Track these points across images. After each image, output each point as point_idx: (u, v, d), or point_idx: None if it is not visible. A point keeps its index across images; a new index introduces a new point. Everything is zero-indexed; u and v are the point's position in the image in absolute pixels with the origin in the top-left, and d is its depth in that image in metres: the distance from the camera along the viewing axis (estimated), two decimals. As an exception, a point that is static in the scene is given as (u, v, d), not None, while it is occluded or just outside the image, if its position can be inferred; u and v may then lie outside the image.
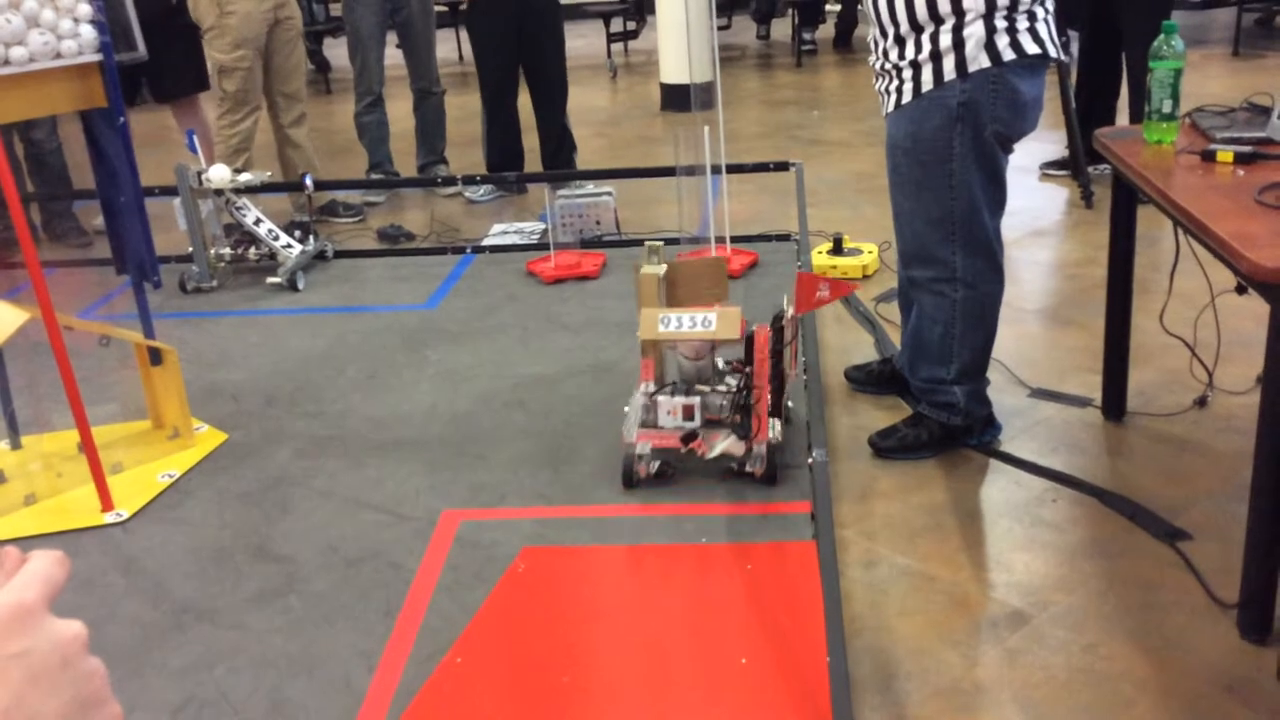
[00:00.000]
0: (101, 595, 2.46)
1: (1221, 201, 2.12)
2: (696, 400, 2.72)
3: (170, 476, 2.92)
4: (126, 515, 2.75)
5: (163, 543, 2.65)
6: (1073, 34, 4.98)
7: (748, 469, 2.71)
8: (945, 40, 2.48)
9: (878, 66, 2.65)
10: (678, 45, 6.82)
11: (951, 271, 2.67)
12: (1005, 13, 2.46)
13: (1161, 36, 2.50)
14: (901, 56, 2.56)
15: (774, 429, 2.71)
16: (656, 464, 2.76)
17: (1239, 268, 1.92)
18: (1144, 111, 2.59)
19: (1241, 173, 2.29)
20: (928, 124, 2.56)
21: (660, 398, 2.75)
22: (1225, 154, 2.34)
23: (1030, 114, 2.59)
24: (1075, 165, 4.70)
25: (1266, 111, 2.59)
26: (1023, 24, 2.47)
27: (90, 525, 2.72)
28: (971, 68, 2.48)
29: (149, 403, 3.15)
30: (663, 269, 2.84)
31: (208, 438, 3.11)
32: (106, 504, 2.76)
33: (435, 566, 2.47)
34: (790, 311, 2.72)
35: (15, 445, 3.10)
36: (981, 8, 2.45)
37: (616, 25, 9.06)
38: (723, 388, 2.80)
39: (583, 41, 9.78)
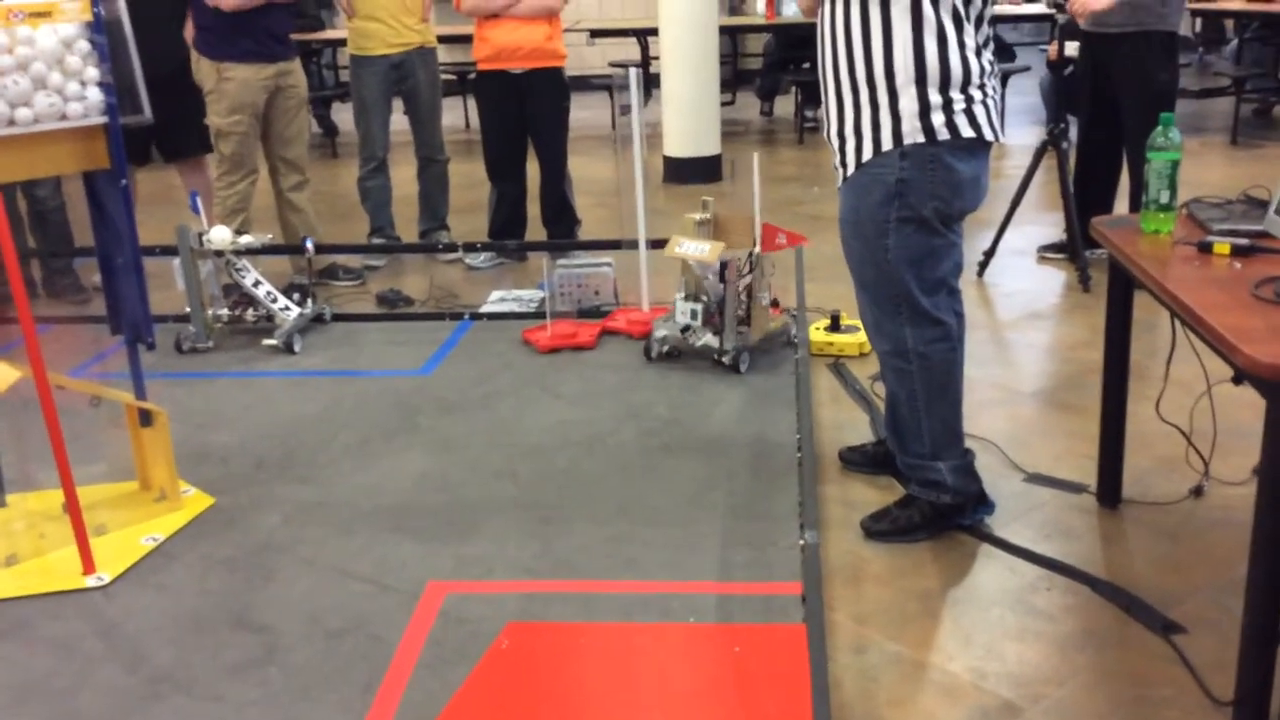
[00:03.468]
0: (79, 661, 2.42)
1: (1218, 294, 2.12)
2: (700, 305, 3.88)
3: (154, 540, 2.89)
4: (108, 579, 2.71)
5: (143, 608, 2.61)
6: (1072, 119, 5.03)
7: (723, 360, 3.81)
8: (883, 110, 2.52)
9: (827, 135, 2.69)
10: (682, 118, 6.90)
11: (904, 345, 2.69)
12: (938, 86, 2.49)
13: (1159, 128, 2.52)
14: (842, 125, 2.61)
15: (740, 335, 3.82)
16: (666, 346, 3.95)
17: (1235, 362, 1.91)
18: (1142, 200, 2.60)
19: (1238, 265, 2.29)
20: (867, 200, 2.60)
21: (678, 301, 3.93)
22: (1222, 246, 2.34)
23: (968, 193, 2.61)
24: (1073, 249, 4.72)
25: (1264, 205, 2.60)
26: (959, 104, 2.51)
27: (71, 588, 2.68)
28: (907, 141, 2.52)
29: (137, 464, 3.12)
30: (705, 216, 3.91)
31: (194, 501, 3.08)
32: (88, 566, 2.73)
33: (418, 640, 2.43)
34: (758, 250, 3.82)
35: (0, 503, 3.07)
36: (912, 74, 2.48)
37: (622, 98, 9.15)
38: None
39: (588, 113, 9.88)
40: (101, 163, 2.84)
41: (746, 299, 3.87)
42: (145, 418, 3.03)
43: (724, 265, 3.81)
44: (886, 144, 2.54)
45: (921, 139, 2.51)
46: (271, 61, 4.73)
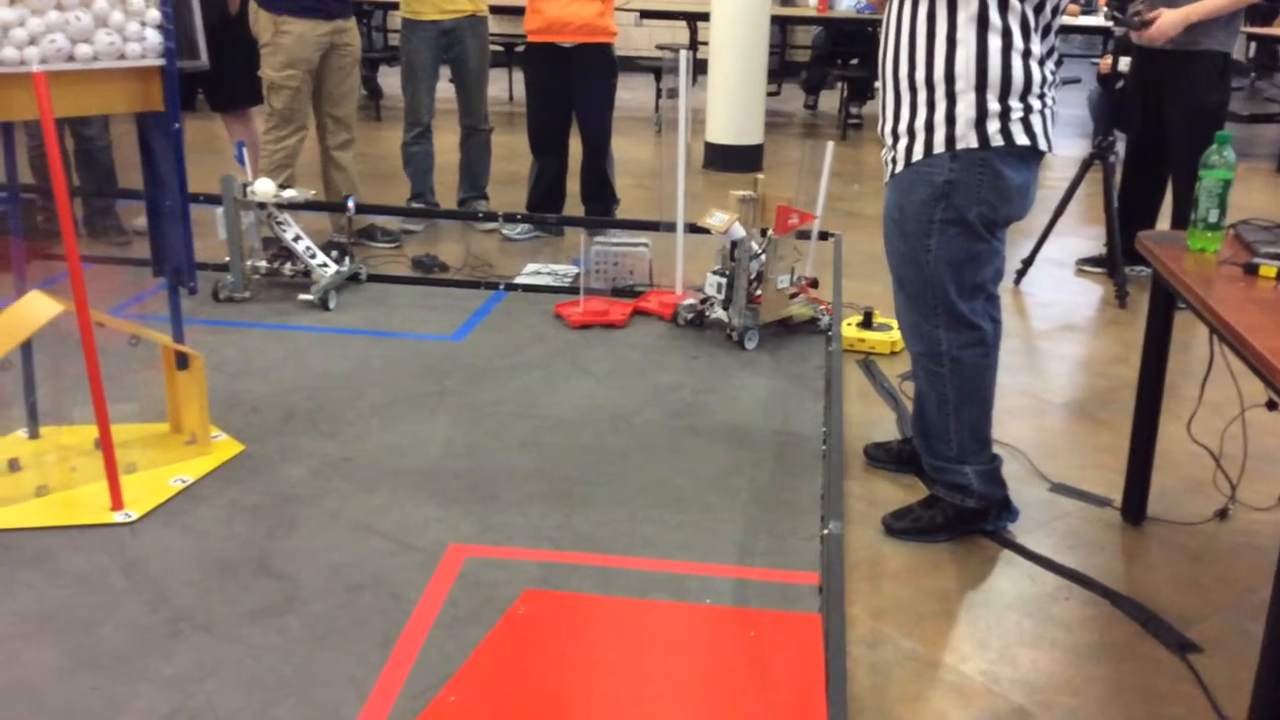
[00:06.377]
0: (101, 595, 2.45)
1: (1262, 316, 2.11)
2: (724, 279, 3.98)
3: (183, 481, 2.92)
4: (135, 516, 2.75)
5: (168, 547, 2.64)
6: (1120, 134, 4.99)
7: (731, 335, 3.97)
8: (939, 112, 2.51)
9: (881, 132, 2.68)
10: (727, 105, 6.89)
11: (938, 347, 2.69)
12: (998, 93, 2.48)
13: (1215, 145, 2.51)
14: (897, 123, 2.60)
15: (749, 313, 3.95)
16: (691, 315, 4.14)
17: (1276, 384, 1.90)
18: (1186, 218, 2.58)
19: (1284, 289, 2.27)
20: (913, 197, 2.59)
21: (709, 274, 4.04)
22: (1269, 269, 2.33)
23: (1016, 200, 2.60)
24: (1112, 264, 4.70)
25: (1313, 231, 2.58)
26: (1016, 112, 2.50)
27: (98, 522, 2.72)
28: (959, 145, 2.51)
29: (170, 406, 3.16)
30: (751, 193, 3.92)
31: (224, 447, 3.12)
32: (117, 503, 2.76)
33: (436, 600, 2.45)
34: (771, 233, 3.86)
35: (33, 435, 3.11)
36: (974, 80, 2.47)
37: (668, 80, 9.16)
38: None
39: (631, 94, 9.87)
40: (156, 105, 2.87)
41: (758, 280, 3.94)
42: (181, 361, 3.06)
43: (734, 244, 3.90)
44: (939, 147, 2.53)
45: (974, 144, 2.50)
46: (329, 18, 4.75)
